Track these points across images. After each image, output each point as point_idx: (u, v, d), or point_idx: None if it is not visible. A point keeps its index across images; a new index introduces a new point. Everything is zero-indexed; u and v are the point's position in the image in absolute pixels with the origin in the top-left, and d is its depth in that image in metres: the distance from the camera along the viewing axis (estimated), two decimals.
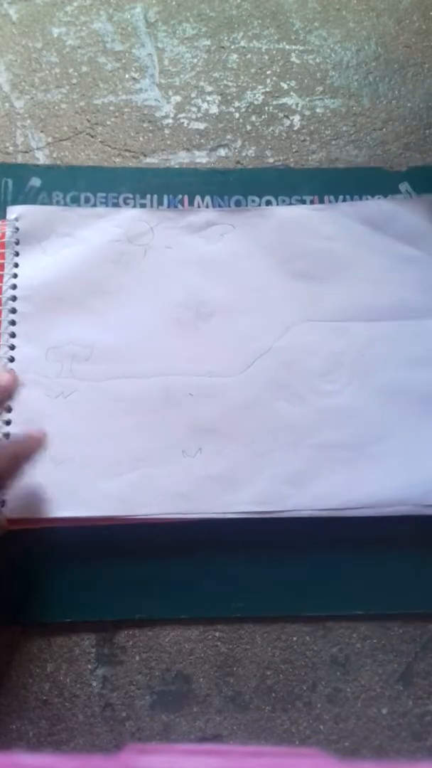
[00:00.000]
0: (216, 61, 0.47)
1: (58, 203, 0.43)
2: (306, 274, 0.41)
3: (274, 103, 0.46)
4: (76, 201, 0.43)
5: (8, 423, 0.38)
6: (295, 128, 0.46)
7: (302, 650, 0.37)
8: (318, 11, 0.48)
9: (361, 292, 0.41)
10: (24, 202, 0.42)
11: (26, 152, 0.44)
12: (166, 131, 0.45)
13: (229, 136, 0.45)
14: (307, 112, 0.46)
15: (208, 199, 0.43)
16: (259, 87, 0.47)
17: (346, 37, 0.48)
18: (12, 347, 0.39)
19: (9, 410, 0.38)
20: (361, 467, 0.38)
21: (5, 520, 0.36)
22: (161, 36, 0.47)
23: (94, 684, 0.36)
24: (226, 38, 0.47)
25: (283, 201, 0.43)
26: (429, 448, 0.38)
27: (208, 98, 0.46)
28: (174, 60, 0.47)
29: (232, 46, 0.47)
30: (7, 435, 0.37)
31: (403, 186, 0.44)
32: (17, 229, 0.41)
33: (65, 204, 0.43)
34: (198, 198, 0.43)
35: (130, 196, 0.43)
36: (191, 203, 0.43)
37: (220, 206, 0.43)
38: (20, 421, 0.38)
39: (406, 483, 0.38)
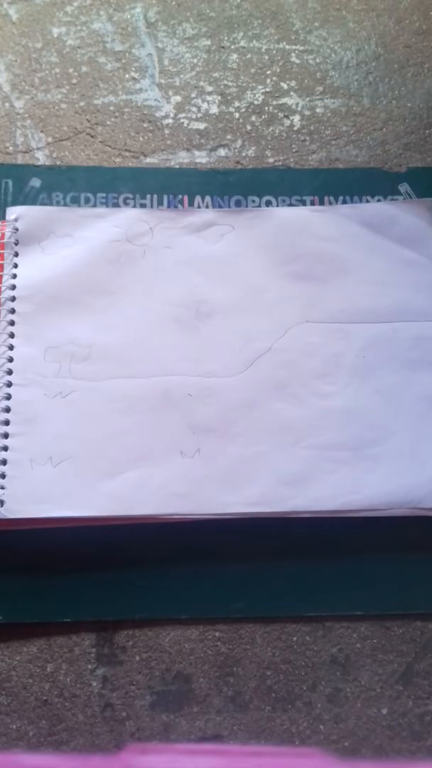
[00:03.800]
0: (216, 61, 0.47)
1: (58, 204, 0.43)
2: (305, 275, 0.41)
3: (274, 103, 0.46)
4: (76, 201, 0.43)
5: (7, 423, 0.38)
6: (295, 128, 0.46)
7: (302, 650, 0.37)
8: (318, 11, 0.48)
9: (360, 293, 0.41)
10: (24, 202, 0.42)
11: (26, 152, 0.44)
12: (166, 131, 0.45)
13: (229, 136, 0.45)
14: (307, 112, 0.46)
15: (208, 199, 0.43)
16: (259, 87, 0.47)
17: (346, 37, 0.48)
18: (11, 347, 0.39)
19: (8, 410, 0.38)
20: (360, 469, 0.38)
21: None
22: (161, 36, 0.47)
23: (94, 684, 0.36)
24: (226, 38, 0.47)
25: (283, 201, 0.43)
26: (428, 450, 0.38)
27: (208, 98, 0.46)
28: (174, 60, 0.47)
29: (232, 46, 0.47)
30: (6, 435, 0.38)
31: (403, 187, 0.44)
32: (16, 229, 0.41)
33: (65, 204, 0.43)
34: (198, 198, 0.43)
35: (130, 196, 0.43)
36: (191, 203, 0.43)
37: (220, 206, 0.43)
38: (18, 421, 0.38)
39: (406, 484, 0.38)
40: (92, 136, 0.45)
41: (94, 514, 0.37)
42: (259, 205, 0.43)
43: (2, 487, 0.37)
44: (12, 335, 0.39)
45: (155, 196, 0.43)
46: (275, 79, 0.47)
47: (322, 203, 0.43)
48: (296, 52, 0.47)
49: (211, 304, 0.40)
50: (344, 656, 0.37)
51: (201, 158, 0.45)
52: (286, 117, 0.46)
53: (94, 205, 0.43)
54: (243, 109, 0.46)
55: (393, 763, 0.32)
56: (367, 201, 0.43)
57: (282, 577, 0.38)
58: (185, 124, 0.46)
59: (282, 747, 0.35)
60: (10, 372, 0.39)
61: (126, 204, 0.43)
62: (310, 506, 0.37)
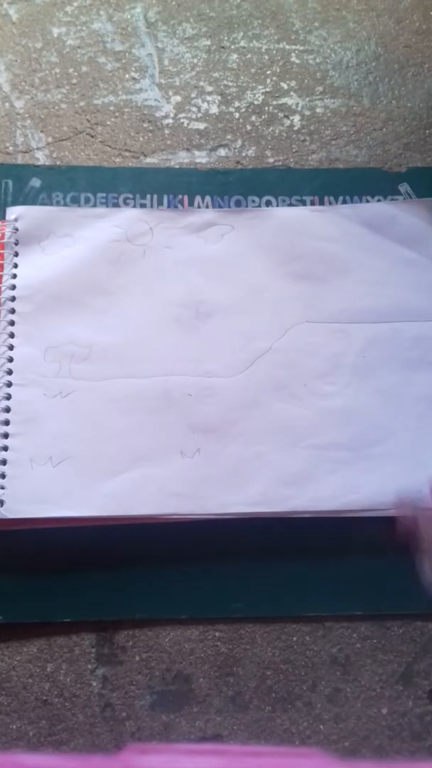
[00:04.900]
0: (216, 61, 0.47)
1: (58, 203, 0.43)
2: (305, 275, 0.41)
3: (274, 103, 0.46)
4: (76, 201, 0.43)
5: (7, 423, 0.38)
6: (295, 128, 0.46)
7: (302, 650, 0.37)
8: (318, 11, 0.48)
9: (360, 293, 0.41)
10: (24, 202, 0.42)
11: (26, 152, 0.44)
12: (166, 131, 0.45)
13: (229, 136, 0.45)
14: (307, 112, 0.46)
15: (208, 199, 0.43)
16: (259, 87, 0.47)
17: (346, 37, 0.48)
18: (11, 347, 0.39)
19: (8, 410, 0.38)
20: (360, 469, 0.38)
21: None
22: (161, 36, 0.47)
23: (94, 684, 0.36)
24: (226, 38, 0.47)
25: (283, 201, 0.43)
26: (428, 450, 0.38)
27: (208, 98, 0.46)
28: (174, 60, 0.47)
29: (232, 46, 0.47)
30: (6, 435, 0.37)
31: (403, 187, 0.44)
32: (17, 229, 0.41)
33: (65, 204, 0.43)
34: (198, 198, 0.43)
35: (130, 196, 0.43)
36: (191, 203, 0.43)
37: (220, 206, 0.43)
38: (18, 421, 0.38)
39: (405, 484, 0.38)
40: (92, 136, 0.45)
41: (94, 514, 0.37)
42: (259, 205, 0.43)
43: (2, 487, 0.37)
44: (12, 335, 0.39)
45: (155, 196, 0.43)
46: (275, 79, 0.47)
47: (322, 203, 0.43)
48: (296, 52, 0.47)
49: (211, 304, 0.40)
50: (344, 656, 0.37)
51: (201, 158, 0.45)
52: (286, 117, 0.46)
53: (94, 205, 0.43)
54: (243, 109, 0.46)
55: (393, 763, 0.32)
56: (367, 201, 0.43)
57: (282, 577, 0.38)
58: (185, 124, 0.46)
59: (282, 747, 0.35)
60: (10, 372, 0.39)
61: (126, 204, 0.43)
62: (310, 506, 0.37)
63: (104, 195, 0.43)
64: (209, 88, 0.46)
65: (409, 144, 0.46)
